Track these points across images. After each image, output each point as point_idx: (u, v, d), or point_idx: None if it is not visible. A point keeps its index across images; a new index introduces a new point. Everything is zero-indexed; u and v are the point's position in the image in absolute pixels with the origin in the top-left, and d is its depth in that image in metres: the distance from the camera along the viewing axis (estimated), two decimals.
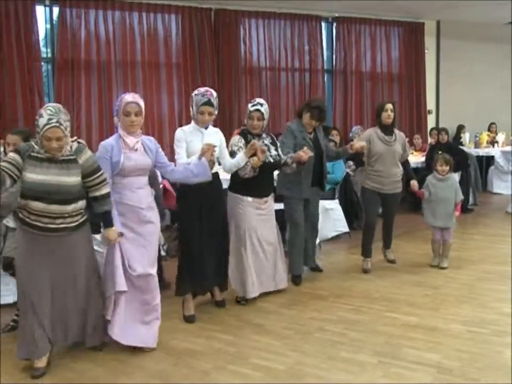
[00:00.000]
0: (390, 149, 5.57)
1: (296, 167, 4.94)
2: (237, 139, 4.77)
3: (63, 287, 3.63)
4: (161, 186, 5.44)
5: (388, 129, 5.58)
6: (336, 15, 10.11)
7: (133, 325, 3.92)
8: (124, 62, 8.15)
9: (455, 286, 5.29)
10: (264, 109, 4.79)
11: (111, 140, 3.87)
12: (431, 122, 11.32)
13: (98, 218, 3.74)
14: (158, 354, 3.97)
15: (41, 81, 7.67)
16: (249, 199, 4.76)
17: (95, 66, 7.96)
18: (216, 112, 4.46)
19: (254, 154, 4.48)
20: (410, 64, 10.90)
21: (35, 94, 7.48)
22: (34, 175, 3.39)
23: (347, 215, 7.12)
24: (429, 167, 7.53)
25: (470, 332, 4.23)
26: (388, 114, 5.52)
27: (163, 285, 4.76)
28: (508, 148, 10.43)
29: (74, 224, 3.56)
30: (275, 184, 5.32)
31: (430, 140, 9.71)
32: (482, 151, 10.31)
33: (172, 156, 4.47)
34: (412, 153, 9.48)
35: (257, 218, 4.81)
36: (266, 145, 4.79)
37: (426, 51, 11.07)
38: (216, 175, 4.47)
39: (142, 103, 3.89)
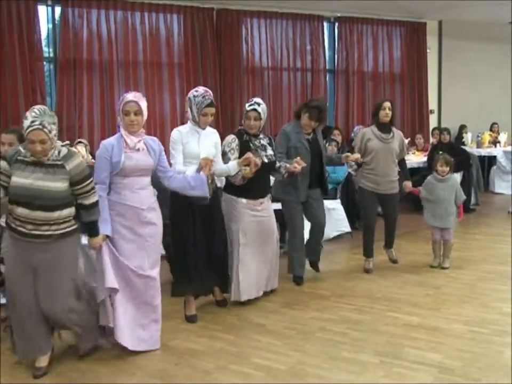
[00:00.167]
0: (387, 147, 5.47)
1: (288, 177, 4.88)
2: (230, 139, 4.70)
3: (44, 295, 3.50)
4: None
5: (385, 128, 5.49)
6: (338, 15, 10.09)
7: (135, 328, 3.89)
8: (126, 62, 8.15)
9: (456, 286, 5.29)
10: (262, 108, 4.71)
11: (112, 139, 3.84)
12: (433, 122, 11.30)
13: (85, 226, 3.65)
14: (159, 354, 3.97)
15: (43, 81, 7.67)
16: (244, 200, 4.69)
17: (97, 66, 7.96)
18: None
19: (248, 164, 4.44)
20: (412, 64, 10.88)
21: (37, 94, 7.48)
22: (18, 179, 3.33)
23: (349, 215, 7.12)
24: (430, 167, 7.51)
25: (472, 331, 4.23)
26: (386, 112, 5.44)
27: None
28: (510, 148, 10.40)
29: (60, 231, 3.45)
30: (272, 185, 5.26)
31: (432, 140, 9.71)
32: (484, 151, 10.29)
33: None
34: (414, 153, 9.49)
35: (251, 220, 4.72)
36: (263, 145, 4.75)
37: (428, 51, 11.04)
38: (212, 178, 4.39)
39: (142, 103, 3.84)
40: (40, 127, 3.27)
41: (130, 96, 3.82)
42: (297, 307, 4.84)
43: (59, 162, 3.39)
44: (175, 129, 4.43)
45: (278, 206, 5.34)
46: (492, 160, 10.47)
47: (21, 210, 3.33)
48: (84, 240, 3.82)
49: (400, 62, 10.89)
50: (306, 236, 5.50)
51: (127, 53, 8.14)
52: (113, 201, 3.80)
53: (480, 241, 6.99)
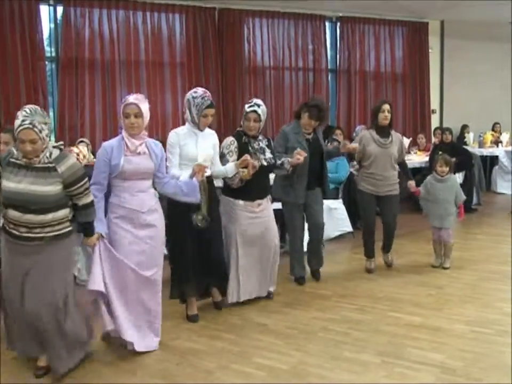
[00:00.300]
0: (385, 152, 5.41)
1: (292, 172, 4.86)
2: (229, 141, 4.64)
3: (30, 295, 3.39)
4: None
5: (384, 131, 5.42)
6: (340, 14, 10.09)
7: (134, 329, 3.88)
8: (128, 61, 8.15)
9: (458, 286, 5.28)
10: (261, 110, 4.62)
11: (113, 141, 3.82)
12: (435, 122, 11.28)
13: (80, 226, 3.60)
14: (161, 353, 3.97)
15: (45, 80, 7.68)
16: (241, 202, 4.63)
17: (99, 65, 7.97)
18: None
19: (246, 166, 4.39)
20: (414, 64, 10.87)
21: (39, 93, 7.49)
22: (9, 183, 3.28)
23: (351, 214, 7.11)
24: (432, 167, 7.50)
25: (474, 332, 4.22)
26: (385, 115, 5.36)
27: None
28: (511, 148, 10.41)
29: (53, 233, 3.38)
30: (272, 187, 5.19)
31: (433, 140, 9.70)
32: (486, 151, 10.28)
33: None
34: (416, 153, 9.48)
35: (249, 222, 4.65)
36: (261, 147, 4.68)
37: (430, 51, 11.03)
38: (210, 180, 4.40)
39: (143, 105, 3.79)
40: (30, 126, 3.20)
41: (131, 98, 3.78)
42: (299, 307, 4.83)
43: (51, 165, 3.32)
44: (172, 131, 4.38)
45: (278, 205, 5.33)
46: (493, 160, 10.46)
47: (13, 214, 3.29)
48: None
49: (402, 62, 10.87)
50: (307, 236, 5.48)
51: (129, 52, 8.15)
52: (113, 204, 3.80)
53: (482, 241, 6.99)
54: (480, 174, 9.39)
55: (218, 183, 4.73)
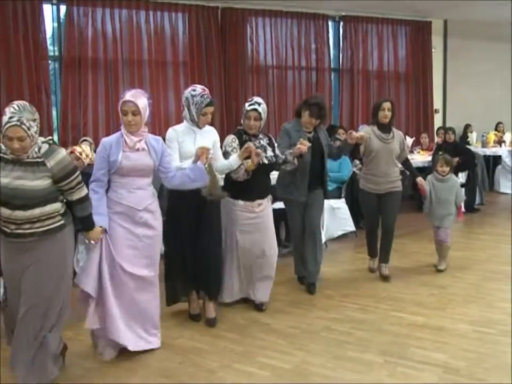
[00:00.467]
0: (387, 147, 5.33)
1: (297, 163, 4.74)
2: (230, 139, 4.56)
3: (26, 294, 3.31)
4: None
5: (385, 128, 5.36)
6: (343, 14, 10.07)
7: (129, 329, 3.84)
8: (131, 60, 8.15)
9: (461, 285, 5.28)
10: (262, 108, 4.53)
11: (112, 138, 3.80)
12: (437, 121, 11.27)
13: (79, 221, 3.53)
14: (164, 352, 3.98)
15: (48, 79, 7.68)
16: (241, 202, 4.54)
17: (102, 64, 7.96)
18: None
19: (249, 157, 4.28)
20: (417, 63, 10.85)
21: (42, 92, 7.49)
22: None
23: (353, 214, 7.11)
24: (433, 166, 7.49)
25: (477, 331, 4.22)
26: (385, 114, 5.30)
27: None
28: None
29: (44, 229, 3.26)
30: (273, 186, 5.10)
31: (436, 139, 9.69)
32: (490, 151, 10.25)
33: None
34: (419, 153, 9.47)
35: (248, 223, 4.57)
36: (262, 146, 4.57)
37: (433, 50, 11.01)
38: None
39: (140, 101, 3.72)
40: (18, 123, 3.11)
41: (128, 95, 3.73)
42: (302, 306, 4.83)
43: (39, 160, 3.23)
44: (170, 128, 4.33)
45: (281, 205, 5.31)
46: (497, 159, 10.43)
47: (3, 210, 3.20)
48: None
49: (405, 61, 10.85)
50: None
51: (132, 51, 8.14)
52: (110, 200, 3.77)
53: (485, 241, 6.98)
54: (483, 174, 9.39)
55: (219, 182, 4.65)
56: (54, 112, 7.80)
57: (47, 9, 7.68)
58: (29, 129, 3.15)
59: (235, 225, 4.57)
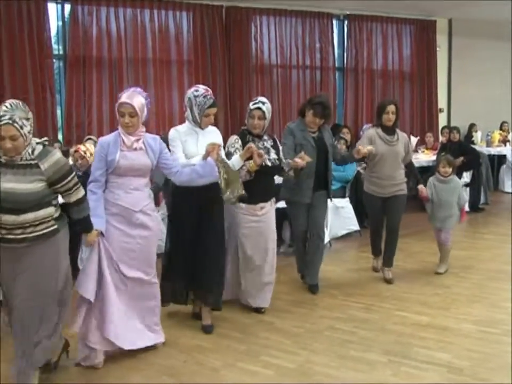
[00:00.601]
0: (392, 149, 5.24)
1: (294, 175, 4.65)
2: (233, 139, 4.48)
3: (22, 302, 3.22)
4: None
5: (389, 130, 5.26)
6: (348, 12, 10.07)
7: (132, 327, 3.82)
8: (135, 59, 8.17)
9: (466, 285, 5.27)
10: (266, 107, 4.43)
11: (109, 137, 3.76)
12: (442, 120, 11.24)
13: (76, 224, 3.43)
14: (167, 350, 3.98)
15: (53, 78, 7.71)
16: (243, 205, 4.40)
17: (106, 63, 7.98)
18: None
19: (251, 158, 4.19)
20: (421, 62, 10.84)
21: (47, 91, 7.52)
22: None
23: (358, 213, 7.10)
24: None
25: (481, 331, 4.21)
26: (389, 117, 5.19)
27: None
28: None
29: (36, 233, 3.14)
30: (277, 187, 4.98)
31: (441, 139, 9.67)
32: (494, 150, 10.23)
33: None
34: (423, 152, 9.45)
35: (251, 226, 4.48)
36: (266, 147, 4.47)
37: (438, 49, 11.00)
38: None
39: (137, 102, 3.67)
40: (10, 122, 2.99)
41: (125, 97, 3.68)
42: (306, 305, 4.83)
43: (33, 162, 3.11)
44: (172, 129, 4.25)
45: (284, 204, 5.26)
46: (501, 159, 10.40)
47: None
48: None
49: (410, 60, 10.84)
50: None
51: (136, 50, 8.16)
52: (106, 200, 3.71)
53: (490, 240, 6.96)
54: (487, 173, 9.36)
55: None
56: (58, 111, 7.83)
57: (52, 8, 7.71)
58: (21, 128, 3.04)
59: (236, 227, 4.48)
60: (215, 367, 3.73)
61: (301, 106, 5.10)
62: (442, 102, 11.31)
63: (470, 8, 9.90)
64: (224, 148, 4.42)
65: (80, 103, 7.80)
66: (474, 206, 8.73)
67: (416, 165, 8.40)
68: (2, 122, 2.98)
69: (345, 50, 10.23)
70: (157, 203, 6.08)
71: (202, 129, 4.19)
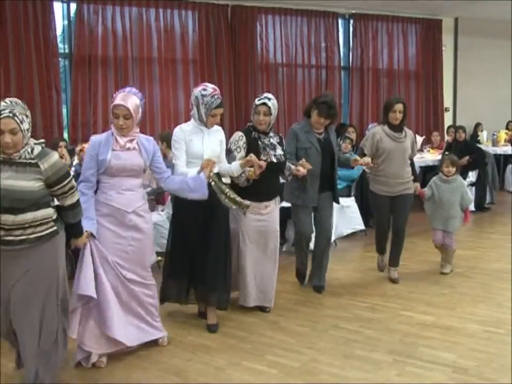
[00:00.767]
0: (400, 146, 5.14)
1: (292, 179, 4.61)
2: (237, 137, 4.41)
3: (16, 311, 3.15)
4: None
5: (396, 127, 5.17)
6: (353, 11, 10.05)
7: (130, 324, 3.79)
8: (141, 58, 8.17)
9: (471, 285, 5.26)
10: (272, 103, 4.36)
11: (101, 136, 3.71)
12: (448, 120, 11.22)
13: (68, 227, 3.33)
14: (172, 349, 3.98)
15: (59, 77, 7.71)
16: (247, 203, 4.24)
17: (112, 62, 7.99)
18: None
19: (252, 165, 4.14)
20: (427, 62, 10.82)
21: (52, 90, 7.52)
22: None
23: (363, 212, 7.10)
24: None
25: (486, 331, 4.20)
26: (396, 116, 5.10)
27: None
28: None
29: (36, 235, 3.07)
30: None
31: (447, 138, 9.65)
32: (500, 150, 10.19)
33: None
34: (429, 151, 9.44)
35: (255, 224, 4.43)
36: (272, 144, 4.42)
37: (443, 48, 10.97)
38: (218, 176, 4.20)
39: (132, 104, 3.60)
40: (10, 115, 2.92)
41: (119, 98, 3.61)
42: (311, 304, 4.83)
43: (32, 161, 3.03)
44: (177, 128, 4.18)
45: (286, 203, 5.22)
46: (507, 158, 10.36)
47: None
48: None
49: (415, 60, 10.82)
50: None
51: (142, 49, 8.17)
52: (99, 201, 3.64)
53: (496, 240, 6.94)
54: (493, 173, 9.33)
55: (226, 180, 4.47)
56: (64, 110, 7.83)
57: (58, 7, 7.71)
58: (21, 122, 2.97)
59: (240, 225, 4.42)
60: (220, 366, 3.73)
61: (306, 107, 5.02)
62: (448, 101, 11.28)
63: (476, 8, 9.88)
64: (227, 143, 4.40)
65: (85, 101, 7.80)
66: (480, 206, 8.71)
67: (422, 164, 8.46)
68: (2, 116, 2.92)
69: (350, 49, 10.22)
70: (162, 202, 6.09)
71: (208, 128, 4.16)
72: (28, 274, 3.10)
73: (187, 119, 4.28)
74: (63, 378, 3.46)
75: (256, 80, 9.07)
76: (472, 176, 8.67)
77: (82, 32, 7.74)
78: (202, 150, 4.07)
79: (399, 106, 5.11)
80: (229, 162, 4.30)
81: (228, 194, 4.04)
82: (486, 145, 10.18)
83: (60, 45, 7.86)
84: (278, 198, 4.62)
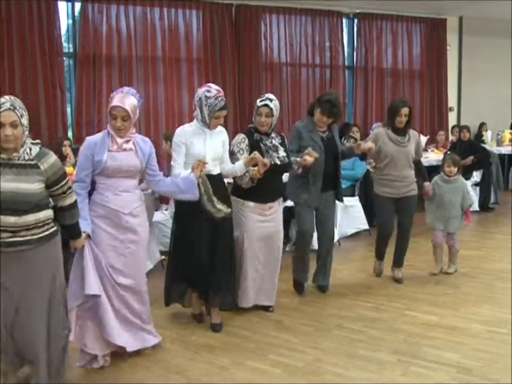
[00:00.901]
0: (403, 150, 5.10)
1: (302, 173, 4.58)
2: (240, 138, 4.39)
3: (18, 314, 3.07)
4: None
5: (400, 131, 5.13)
6: (358, 11, 10.03)
7: (124, 330, 3.74)
8: (145, 57, 8.17)
9: (475, 285, 5.25)
10: (274, 104, 4.33)
11: (97, 136, 3.64)
12: (452, 119, 11.20)
13: (65, 229, 3.30)
14: (176, 348, 3.99)
15: (63, 76, 7.71)
16: (251, 204, 4.35)
17: (116, 61, 7.98)
18: None
19: (256, 164, 4.13)
20: (431, 61, 10.79)
21: (57, 89, 7.53)
22: None
23: (367, 212, 7.09)
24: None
25: (490, 331, 4.20)
26: (401, 120, 5.06)
27: None
28: None
29: (39, 235, 3.04)
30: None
31: (451, 138, 9.63)
32: (505, 149, 10.17)
33: None
34: (433, 151, 9.42)
35: (259, 226, 4.40)
36: (274, 145, 4.40)
37: (448, 48, 10.93)
38: (219, 177, 4.18)
39: (130, 105, 3.55)
40: (11, 108, 2.89)
41: (117, 100, 3.54)
42: (315, 304, 4.83)
43: (32, 162, 2.99)
44: (179, 128, 4.15)
45: (290, 203, 5.20)
46: None
47: None
48: None
49: (420, 59, 10.80)
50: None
51: (146, 48, 8.16)
52: (95, 202, 3.61)
53: (500, 240, 6.92)
54: (497, 173, 9.31)
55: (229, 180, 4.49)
56: (68, 109, 7.84)
57: (62, 6, 7.71)
58: (22, 116, 2.94)
59: (243, 227, 4.38)
60: (224, 365, 3.74)
61: (310, 105, 4.98)
62: (452, 101, 11.26)
63: (480, 7, 9.85)
64: (229, 145, 4.37)
65: (90, 101, 7.81)
66: (484, 206, 8.70)
67: (426, 164, 8.40)
68: (3, 108, 2.88)
69: (355, 48, 10.20)
70: (166, 201, 6.10)
71: (210, 129, 4.12)
72: (31, 275, 3.05)
73: (191, 119, 4.26)
74: (67, 378, 3.46)
75: (260, 79, 9.06)
76: (476, 176, 8.66)
77: (87, 31, 7.75)
78: (204, 151, 4.04)
79: (405, 111, 5.06)
80: (232, 163, 4.29)
81: (211, 197, 3.98)
82: (490, 145, 10.16)
83: (65, 44, 7.86)
84: (281, 199, 4.60)
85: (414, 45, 10.72)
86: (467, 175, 8.35)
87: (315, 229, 5.00)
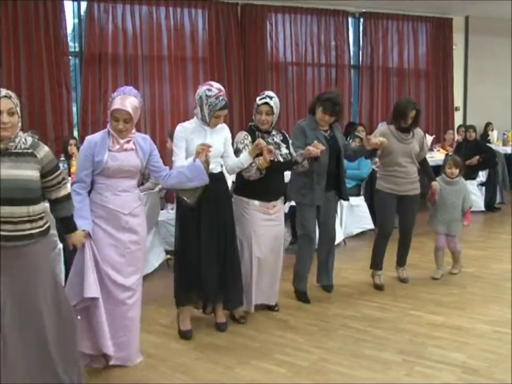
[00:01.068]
0: (406, 147, 5.06)
1: (308, 165, 4.46)
2: (243, 135, 4.33)
3: (28, 313, 3.01)
4: None
5: (404, 128, 5.07)
6: (363, 10, 10.02)
7: (112, 340, 3.62)
8: (151, 57, 8.19)
9: (481, 285, 5.24)
10: (274, 102, 4.28)
11: (96, 136, 3.58)
12: (458, 119, 11.17)
13: (60, 223, 3.29)
14: (181, 348, 3.99)
15: (69, 75, 7.74)
16: (256, 202, 4.29)
17: (122, 60, 8.00)
18: None
19: (260, 154, 4.04)
20: (437, 60, 10.77)
21: (63, 88, 7.56)
22: None
23: (372, 211, 7.06)
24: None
25: (496, 332, 4.19)
26: (407, 121, 5.01)
27: None
28: None
29: (40, 229, 2.98)
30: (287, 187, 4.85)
31: (457, 137, 9.61)
32: (511, 149, 10.12)
33: None
34: (439, 151, 9.40)
35: (264, 224, 4.34)
36: (276, 143, 4.34)
37: (454, 47, 10.91)
38: (220, 176, 4.16)
39: (132, 107, 3.48)
40: (7, 95, 2.87)
41: (119, 102, 3.47)
42: (320, 304, 4.82)
43: (29, 151, 2.95)
44: (179, 125, 4.08)
45: (292, 203, 5.17)
46: None
47: None
48: None
49: (426, 58, 10.78)
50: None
51: (152, 47, 8.18)
52: (94, 202, 3.55)
53: (506, 240, 6.89)
54: (504, 172, 9.28)
55: (229, 180, 4.46)
56: (74, 108, 7.87)
57: (68, 5, 7.75)
58: (17, 105, 2.92)
59: (249, 226, 4.32)
60: (229, 364, 3.73)
61: (311, 104, 4.91)
62: (458, 101, 11.23)
63: (486, 6, 9.82)
64: (232, 144, 4.32)
65: (95, 100, 7.83)
66: (490, 205, 8.68)
67: (431, 163, 8.37)
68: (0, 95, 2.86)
69: (360, 48, 10.20)
70: (171, 200, 6.10)
71: (210, 128, 4.07)
72: (27, 268, 2.97)
73: None
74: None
75: (265, 78, 9.06)
76: (482, 175, 8.65)
77: (93, 31, 7.77)
78: None
79: (412, 114, 5.00)
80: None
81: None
82: (496, 144, 10.13)
83: (70, 43, 7.90)
84: (282, 198, 4.58)
85: (420, 44, 10.70)
86: (473, 175, 8.34)
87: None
